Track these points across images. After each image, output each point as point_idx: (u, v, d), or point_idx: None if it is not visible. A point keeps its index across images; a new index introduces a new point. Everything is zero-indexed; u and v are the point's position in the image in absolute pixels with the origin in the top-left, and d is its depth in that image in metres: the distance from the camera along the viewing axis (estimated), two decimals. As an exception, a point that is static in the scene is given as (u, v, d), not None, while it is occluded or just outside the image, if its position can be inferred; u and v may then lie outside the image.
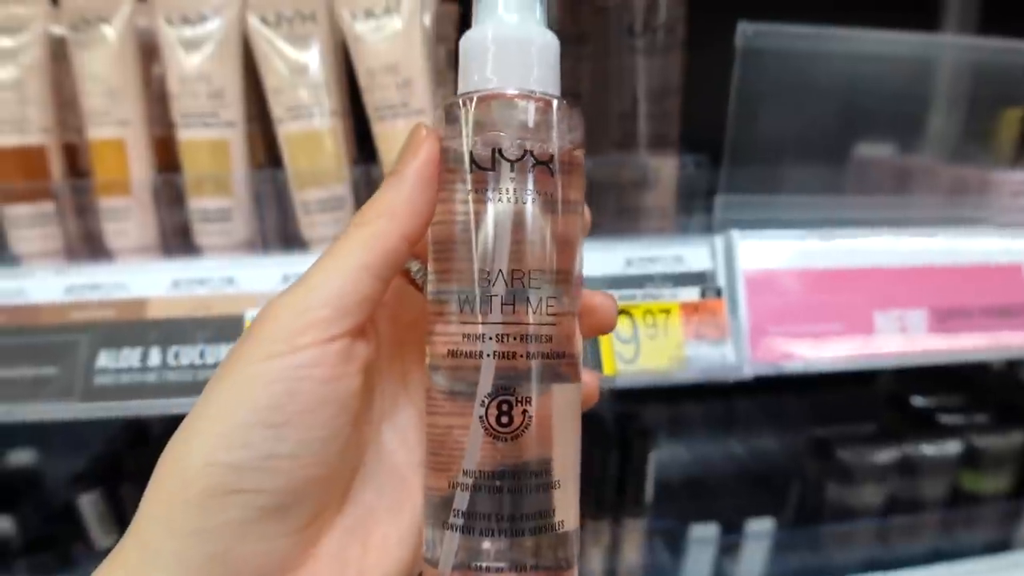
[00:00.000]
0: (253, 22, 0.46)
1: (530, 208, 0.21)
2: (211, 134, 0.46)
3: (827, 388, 0.84)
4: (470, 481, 0.21)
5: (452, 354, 0.21)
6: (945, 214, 0.55)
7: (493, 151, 0.21)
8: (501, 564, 0.21)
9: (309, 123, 0.46)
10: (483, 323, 0.21)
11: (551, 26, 0.23)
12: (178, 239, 0.49)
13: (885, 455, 0.64)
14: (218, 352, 0.43)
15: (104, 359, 0.43)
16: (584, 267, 0.24)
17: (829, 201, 0.53)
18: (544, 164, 0.21)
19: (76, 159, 0.52)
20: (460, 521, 0.21)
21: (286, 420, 0.20)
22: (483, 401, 0.21)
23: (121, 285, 0.45)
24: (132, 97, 0.47)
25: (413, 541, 0.24)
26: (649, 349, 0.43)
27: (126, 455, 0.60)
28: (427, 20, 0.47)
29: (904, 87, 0.59)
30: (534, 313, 0.21)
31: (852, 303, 0.49)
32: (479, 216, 0.21)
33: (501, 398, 0.21)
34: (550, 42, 0.22)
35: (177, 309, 0.44)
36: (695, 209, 0.52)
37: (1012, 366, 0.78)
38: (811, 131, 0.57)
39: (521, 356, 0.21)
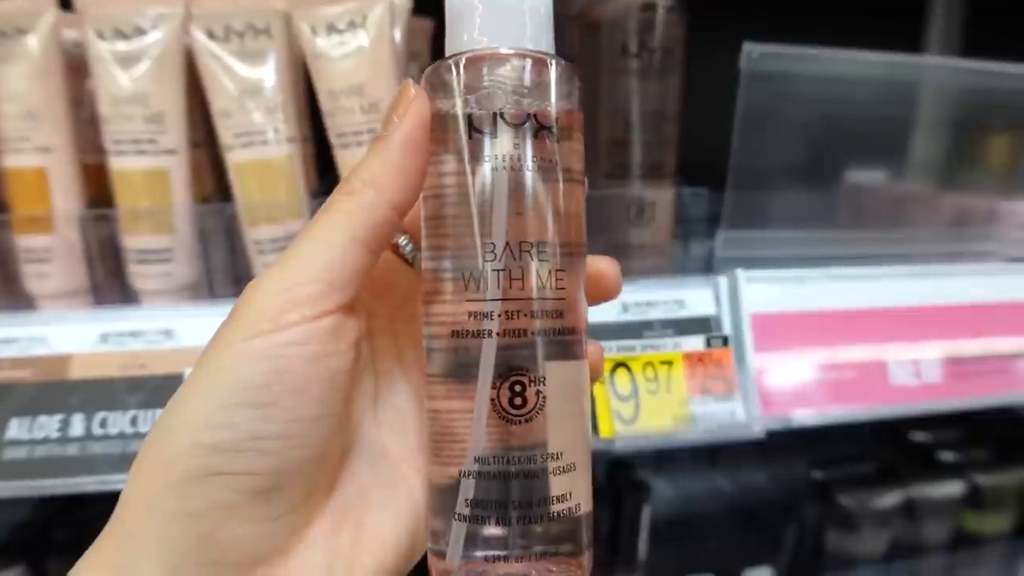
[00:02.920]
0: (198, 36, 0.40)
1: (533, 174, 0.20)
2: (148, 163, 0.41)
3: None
4: (479, 468, 0.20)
5: (456, 334, 0.20)
6: (952, 248, 0.52)
7: (490, 114, 0.20)
8: (512, 552, 0.20)
9: (263, 151, 0.41)
10: (489, 300, 0.20)
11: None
12: (111, 283, 0.43)
13: (888, 499, 0.61)
14: (154, 418, 0.37)
15: (16, 429, 0.37)
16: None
17: (833, 235, 0.49)
18: (545, 127, 0.20)
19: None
20: (468, 510, 0.20)
21: (273, 400, 0.19)
22: (494, 383, 0.20)
23: (40, 339, 0.39)
24: (56, 120, 0.41)
25: (409, 524, 0.23)
26: (650, 407, 0.39)
27: (55, 525, 0.52)
28: (397, 36, 0.42)
29: (889, 111, 0.56)
30: (543, 287, 0.20)
31: (864, 347, 0.45)
32: (478, 185, 0.20)
33: (514, 379, 0.20)
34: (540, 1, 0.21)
35: (105, 368, 0.38)
36: (692, 242, 0.48)
37: (1008, 398, 0.76)
38: (806, 157, 0.53)
39: (531, 333, 0.20)
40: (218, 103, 0.40)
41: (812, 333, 0.44)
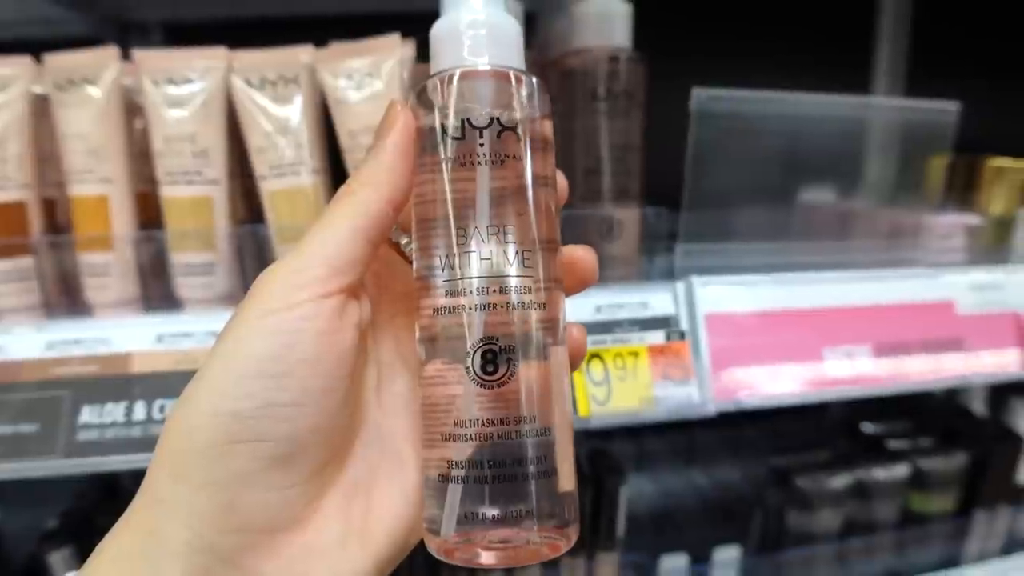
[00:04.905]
0: (237, 84, 0.48)
1: (500, 170, 0.22)
2: (195, 191, 0.48)
3: (783, 418, 0.88)
4: (463, 432, 0.22)
5: (437, 312, 0.23)
6: (884, 256, 0.60)
7: (462, 120, 0.23)
8: (498, 519, 0.22)
9: (293, 180, 0.48)
10: (463, 279, 0.22)
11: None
12: (158, 292, 0.50)
13: (840, 481, 0.68)
14: (204, 405, 0.44)
15: (87, 414, 0.43)
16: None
17: (779, 246, 0.57)
18: (511, 130, 0.23)
19: (54, 213, 0.53)
20: (459, 475, 0.22)
21: (286, 370, 0.21)
22: (468, 352, 0.22)
23: (104, 340, 0.45)
24: (116, 155, 0.48)
25: (415, 498, 0.25)
26: (620, 390, 0.46)
27: (98, 511, 0.59)
28: (405, 77, 0.49)
29: (841, 141, 0.64)
30: (510, 266, 0.22)
31: (803, 341, 0.53)
32: (453, 182, 0.23)
33: (486, 347, 0.22)
34: (512, 24, 0.24)
35: (162, 363, 0.45)
36: (656, 255, 0.55)
37: (952, 392, 0.84)
38: (758, 181, 0.61)
39: (501, 308, 0.22)
40: (255, 140, 0.48)
41: (759, 329, 0.52)
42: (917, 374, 0.55)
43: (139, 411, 0.43)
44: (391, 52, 0.47)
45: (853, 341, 0.54)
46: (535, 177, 0.23)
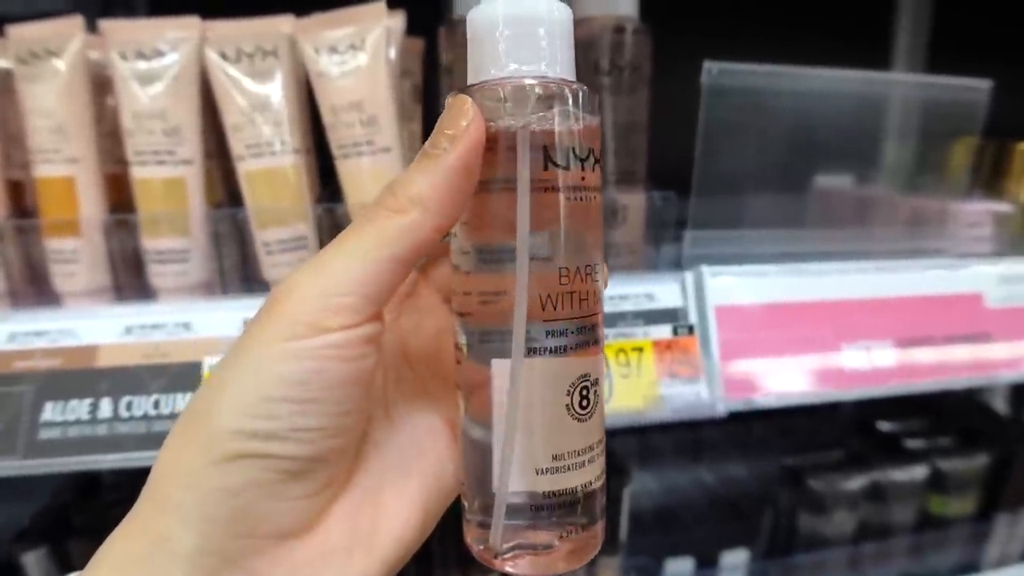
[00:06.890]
0: (212, 57, 0.44)
1: (574, 192, 0.21)
2: (167, 172, 0.45)
3: (795, 415, 0.84)
4: (555, 464, 0.22)
5: (532, 352, 0.22)
6: (906, 245, 0.57)
7: (568, 149, 0.21)
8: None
9: (271, 160, 0.45)
10: (563, 319, 0.22)
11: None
12: (130, 281, 0.47)
13: (855, 482, 0.65)
14: (174, 402, 0.41)
15: (50, 412, 0.40)
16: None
17: (794, 234, 0.53)
18: (580, 150, 0.21)
19: (22, 197, 0.50)
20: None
21: (312, 396, 0.21)
22: (568, 390, 0.22)
23: (69, 332, 0.42)
24: (83, 133, 0.45)
25: (421, 503, 0.25)
26: (623, 389, 0.43)
27: (75, 509, 0.56)
28: (392, 55, 0.46)
29: (859, 121, 0.60)
30: (598, 303, 0.22)
31: (821, 336, 0.49)
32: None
33: (582, 383, 0.22)
34: (568, 20, 0.22)
35: (130, 357, 0.42)
36: (663, 243, 0.52)
37: (973, 389, 0.80)
38: (772, 164, 0.58)
39: (593, 345, 0.22)
40: (231, 117, 0.44)
41: (772, 323, 0.48)
42: (943, 371, 0.51)
43: (105, 408, 0.40)
44: (377, 21, 0.43)
45: (873, 336, 0.50)
46: (598, 198, 0.23)
